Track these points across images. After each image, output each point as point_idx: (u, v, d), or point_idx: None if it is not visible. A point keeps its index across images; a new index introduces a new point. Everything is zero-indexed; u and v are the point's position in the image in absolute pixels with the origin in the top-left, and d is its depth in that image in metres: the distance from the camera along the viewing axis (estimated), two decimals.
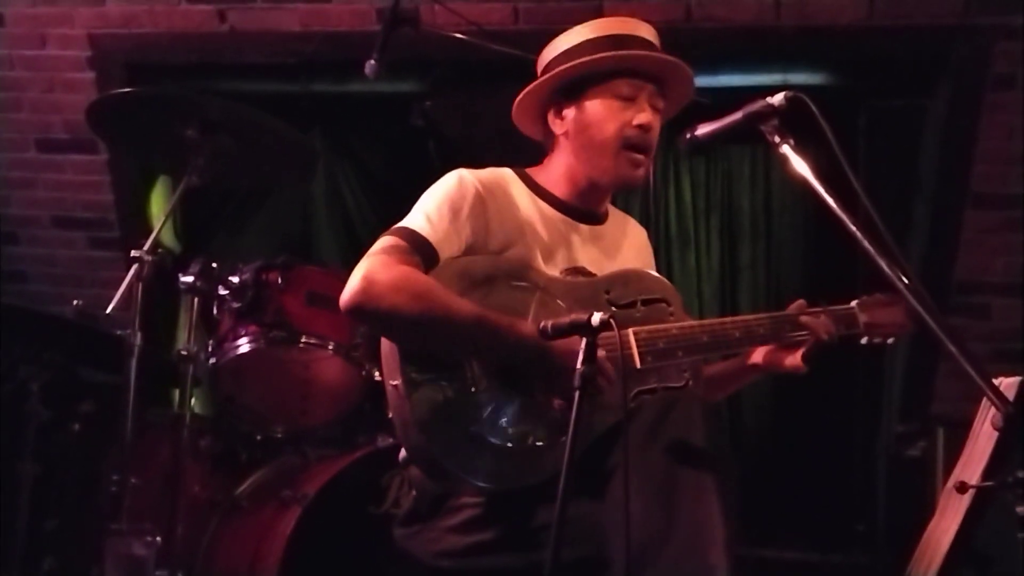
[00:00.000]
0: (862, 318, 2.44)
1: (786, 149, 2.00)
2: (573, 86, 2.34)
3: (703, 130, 2.16)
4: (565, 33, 2.39)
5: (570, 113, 2.35)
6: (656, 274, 2.46)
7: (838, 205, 1.90)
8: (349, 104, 4.74)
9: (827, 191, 1.93)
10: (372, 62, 3.01)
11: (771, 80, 4.24)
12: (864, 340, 2.46)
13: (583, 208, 2.40)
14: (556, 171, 2.40)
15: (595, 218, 2.43)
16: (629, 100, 2.31)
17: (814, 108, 1.94)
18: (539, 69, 2.44)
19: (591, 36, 2.34)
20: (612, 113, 2.31)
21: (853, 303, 2.46)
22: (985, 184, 4.09)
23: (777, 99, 2.02)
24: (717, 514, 1.89)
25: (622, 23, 2.37)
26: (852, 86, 4.39)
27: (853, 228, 1.87)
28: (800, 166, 1.98)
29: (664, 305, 2.35)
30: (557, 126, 2.37)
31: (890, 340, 2.48)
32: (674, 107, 2.43)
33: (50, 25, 4.43)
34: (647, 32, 2.38)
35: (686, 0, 3.99)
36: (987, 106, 4.00)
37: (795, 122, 2.01)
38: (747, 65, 4.24)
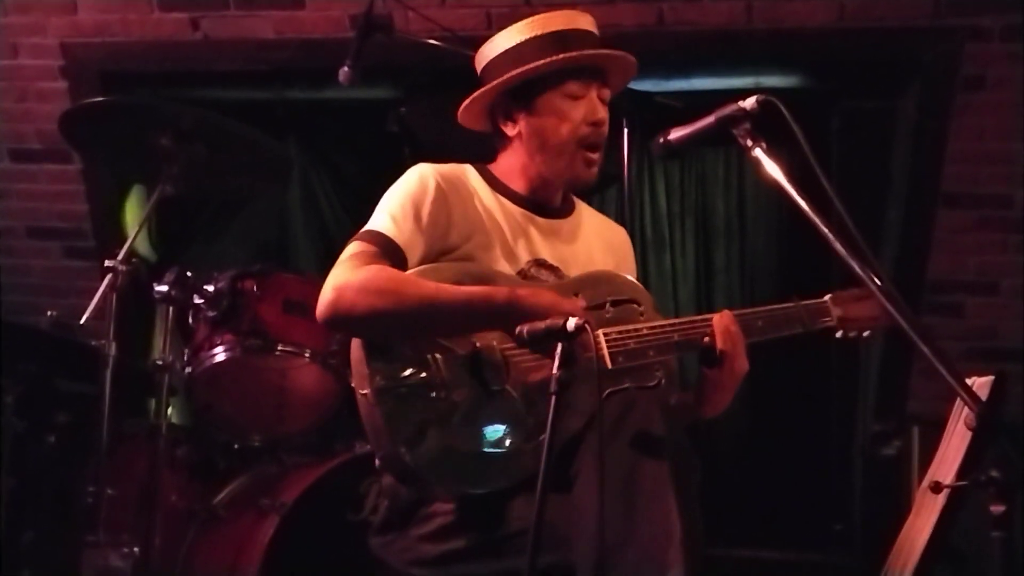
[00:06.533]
0: (835, 312, 2.44)
1: (758, 152, 2.00)
2: (521, 90, 2.33)
3: (676, 134, 2.16)
4: (504, 32, 2.36)
5: (521, 116, 2.35)
6: (626, 275, 2.46)
7: (810, 207, 1.90)
8: (324, 111, 4.74)
9: (799, 193, 1.93)
10: (346, 69, 3.02)
11: (743, 83, 4.26)
12: (839, 334, 2.45)
13: (540, 201, 2.41)
14: (511, 167, 2.41)
15: (553, 211, 2.44)
16: (579, 98, 2.32)
17: (785, 111, 1.94)
18: (478, 68, 2.42)
19: (533, 34, 2.31)
20: (564, 114, 2.31)
21: (826, 297, 2.46)
22: (957, 184, 4.13)
23: (749, 102, 2.02)
24: (675, 512, 1.86)
25: (562, 18, 2.34)
26: (824, 88, 4.42)
27: (826, 230, 1.87)
28: (772, 169, 1.98)
29: (634, 306, 2.35)
30: (509, 128, 2.37)
31: (865, 334, 2.47)
32: (616, 92, 2.43)
33: (22, 35, 4.41)
34: (586, 23, 2.36)
35: (658, 4, 4.00)
36: (958, 107, 4.03)
37: (767, 125, 2.01)
38: (719, 68, 4.26)
